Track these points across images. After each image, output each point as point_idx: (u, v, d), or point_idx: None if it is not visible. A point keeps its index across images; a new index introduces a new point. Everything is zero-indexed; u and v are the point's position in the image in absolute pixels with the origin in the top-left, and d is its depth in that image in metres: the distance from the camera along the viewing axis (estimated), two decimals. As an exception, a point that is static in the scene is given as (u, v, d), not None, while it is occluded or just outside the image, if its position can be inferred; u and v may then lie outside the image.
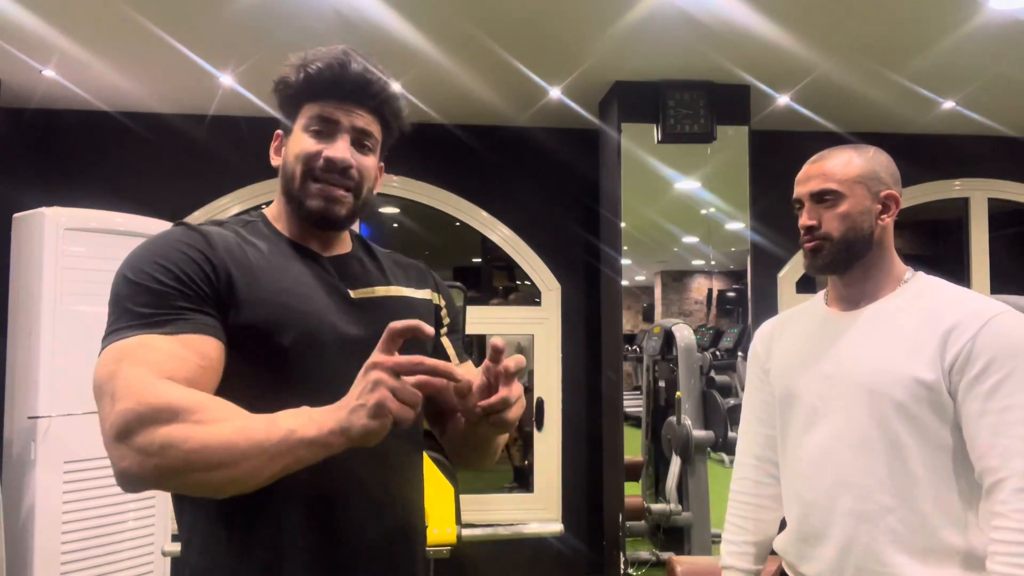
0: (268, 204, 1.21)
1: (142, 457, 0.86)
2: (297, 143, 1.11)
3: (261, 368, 1.02)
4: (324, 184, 1.10)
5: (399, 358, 0.87)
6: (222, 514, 1.02)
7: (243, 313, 1.01)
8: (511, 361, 0.94)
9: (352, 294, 1.13)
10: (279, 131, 1.18)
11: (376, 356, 0.88)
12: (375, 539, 1.08)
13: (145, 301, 0.96)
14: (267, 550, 1.02)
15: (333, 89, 1.10)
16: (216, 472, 0.87)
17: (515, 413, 0.96)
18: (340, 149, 1.10)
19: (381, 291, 1.17)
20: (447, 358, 1.25)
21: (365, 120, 1.13)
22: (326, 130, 1.11)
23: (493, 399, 0.94)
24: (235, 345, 1.01)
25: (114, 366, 0.91)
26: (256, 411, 0.92)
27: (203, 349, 0.96)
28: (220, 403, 0.91)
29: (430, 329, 0.89)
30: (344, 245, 1.20)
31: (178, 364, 0.92)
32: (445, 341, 1.27)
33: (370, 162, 1.14)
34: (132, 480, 0.88)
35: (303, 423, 0.87)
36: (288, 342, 1.02)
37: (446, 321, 1.28)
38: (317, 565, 1.04)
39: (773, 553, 1.54)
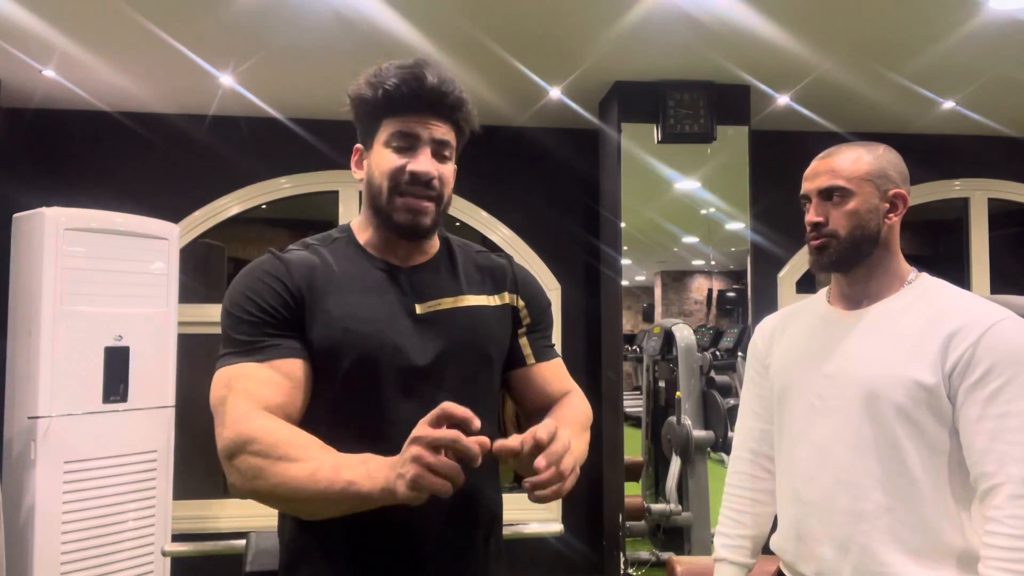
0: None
1: (243, 479, 1.04)
2: (381, 159, 1.18)
3: (327, 387, 1.14)
4: (409, 197, 1.16)
5: (437, 433, 0.92)
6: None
7: (313, 336, 1.13)
8: (542, 461, 0.97)
9: (418, 309, 1.19)
10: (358, 145, 1.24)
11: (419, 429, 0.94)
12: (446, 529, 1.16)
13: (242, 331, 1.13)
14: (340, 537, 1.13)
15: (411, 104, 1.16)
16: (293, 504, 1.05)
17: (552, 492, 0.99)
18: (423, 163, 1.16)
19: (448, 303, 1.22)
20: (522, 359, 1.32)
21: (442, 130, 1.18)
22: (408, 145, 1.16)
23: (541, 477, 0.97)
24: (313, 363, 1.14)
25: (224, 391, 1.09)
26: (327, 425, 1.08)
27: (291, 371, 1.11)
28: (302, 440, 1.04)
29: (476, 423, 0.94)
30: (426, 253, 1.25)
31: (272, 390, 1.09)
32: (523, 341, 1.32)
33: (449, 170, 1.21)
34: (237, 493, 1.06)
35: (361, 476, 0.98)
36: (347, 364, 1.13)
37: (525, 321, 1.32)
38: (389, 555, 1.13)
39: (770, 552, 1.54)
